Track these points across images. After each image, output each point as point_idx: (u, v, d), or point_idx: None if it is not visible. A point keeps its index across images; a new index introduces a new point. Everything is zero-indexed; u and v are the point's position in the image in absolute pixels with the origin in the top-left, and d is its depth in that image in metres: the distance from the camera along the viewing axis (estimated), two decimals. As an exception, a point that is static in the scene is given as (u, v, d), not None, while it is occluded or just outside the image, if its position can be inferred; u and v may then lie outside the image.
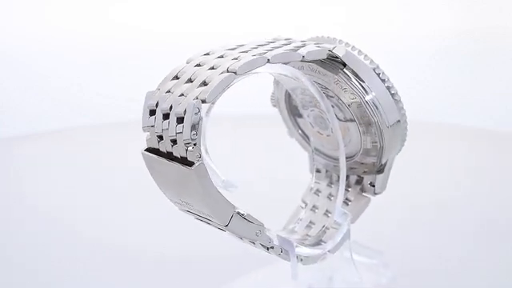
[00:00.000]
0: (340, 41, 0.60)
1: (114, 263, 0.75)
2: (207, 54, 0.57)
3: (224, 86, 0.53)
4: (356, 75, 0.59)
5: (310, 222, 0.67)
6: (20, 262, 0.75)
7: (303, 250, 0.62)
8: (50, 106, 1.25)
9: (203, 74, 0.54)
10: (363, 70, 0.59)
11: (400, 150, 0.63)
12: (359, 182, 0.65)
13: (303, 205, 0.69)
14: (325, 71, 0.60)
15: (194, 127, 0.52)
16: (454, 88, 1.30)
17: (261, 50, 0.56)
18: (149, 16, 1.44)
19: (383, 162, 0.63)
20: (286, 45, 0.57)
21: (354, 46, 0.60)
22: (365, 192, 0.65)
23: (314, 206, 0.68)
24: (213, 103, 0.54)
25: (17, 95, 1.29)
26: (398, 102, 0.60)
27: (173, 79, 0.55)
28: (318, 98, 0.60)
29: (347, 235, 0.64)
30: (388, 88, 0.60)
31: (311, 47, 0.57)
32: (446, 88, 1.30)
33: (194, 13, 1.42)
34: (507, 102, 1.24)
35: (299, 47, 0.56)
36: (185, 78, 0.54)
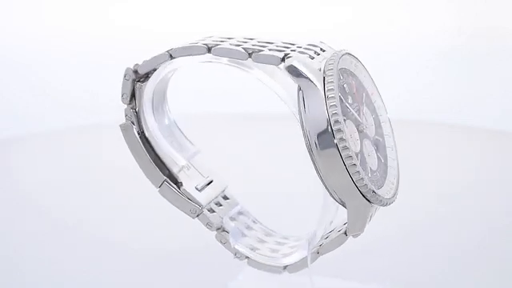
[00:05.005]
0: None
1: (114, 263, 0.75)
2: (209, 37, 0.58)
3: (155, 64, 0.57)
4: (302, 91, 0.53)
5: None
6: (19, 262, 0.75)
7: (249, 251, 0.63)
8: (50, 106, 1.25)
9: None
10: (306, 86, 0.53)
11: (376, 205, 0.54)
12: None
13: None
14: None
15: (123, 89, 0.60)
16: (454, 88, 1.30)
17: (222, 42, 0.56)
18: (149, 16, 1.44)
19: (335, 197, 0.54)
20: (256, 44, 0.56)
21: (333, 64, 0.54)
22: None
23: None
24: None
25: (17, 95, 1.29)
26: (337, 132, 0.52)
27: None
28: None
29: (305, 261, 0.60)
30: (331, 115, 0.52)
31: (266, 52, 0.54)
32: (446, 88, 1.30)
33: (195, 13, 1.42)
34: (507, 101, 1.24)
35: (257, 50, 0.54)
36: None
